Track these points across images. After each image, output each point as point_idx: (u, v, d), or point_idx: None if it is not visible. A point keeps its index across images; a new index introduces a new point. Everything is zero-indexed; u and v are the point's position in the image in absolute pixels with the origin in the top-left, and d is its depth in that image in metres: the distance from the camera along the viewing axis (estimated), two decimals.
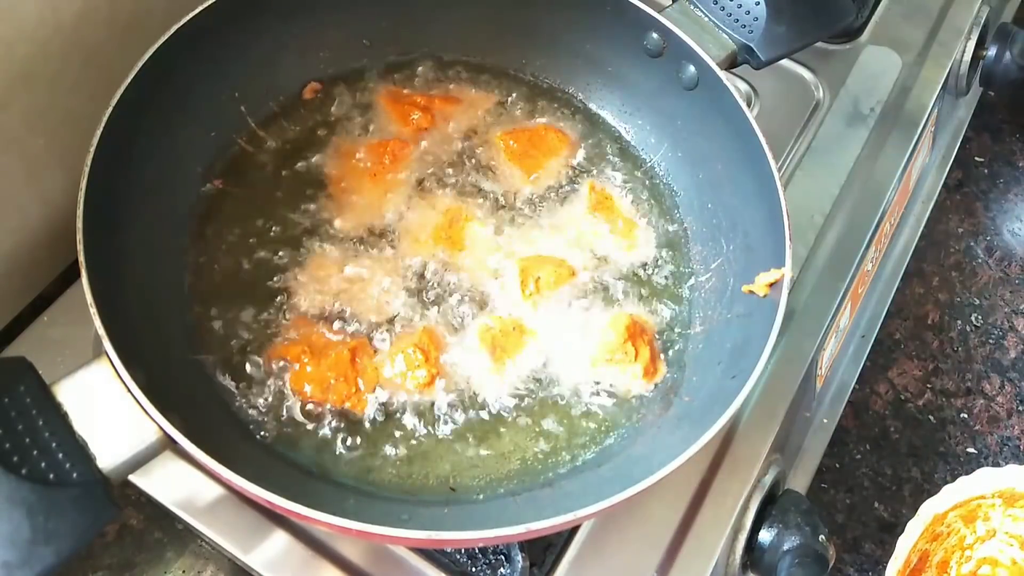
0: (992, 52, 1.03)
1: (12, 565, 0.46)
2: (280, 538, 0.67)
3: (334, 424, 0.66)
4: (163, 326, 0.66)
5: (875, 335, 0.94)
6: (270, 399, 0.66)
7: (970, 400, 0.93)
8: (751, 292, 0.68)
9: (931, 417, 0.92)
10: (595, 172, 0.81)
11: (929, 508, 0.72)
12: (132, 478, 0.63)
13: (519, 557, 0.66)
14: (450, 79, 0.84)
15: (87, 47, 0.74)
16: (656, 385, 0.70)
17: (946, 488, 0.73)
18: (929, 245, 1.03)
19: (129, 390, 0.53)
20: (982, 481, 0.73)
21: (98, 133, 0.61)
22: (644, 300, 0.74)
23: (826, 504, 0.86)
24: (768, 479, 0.72)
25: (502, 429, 0.67)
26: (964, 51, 1.02)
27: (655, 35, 0.76)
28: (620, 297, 0.74)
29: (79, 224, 0.58)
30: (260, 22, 0.76)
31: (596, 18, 0.79)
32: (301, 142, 0.78)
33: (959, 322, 0.98)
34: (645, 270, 0.76)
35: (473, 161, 0.80)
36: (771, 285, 0.66)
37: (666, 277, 0.76)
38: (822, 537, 0.69)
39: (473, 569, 0.68)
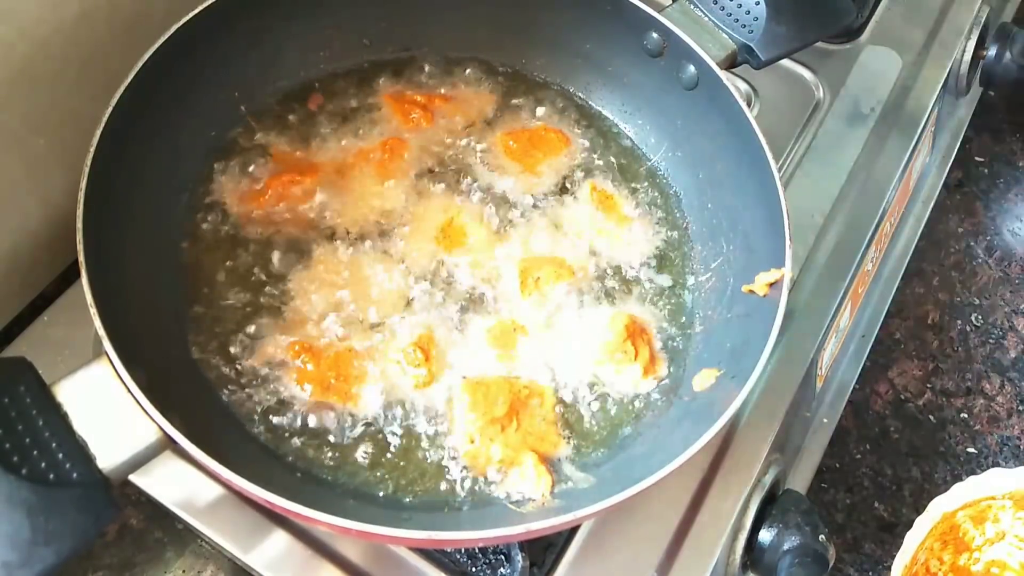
0: (992, 52, 1.03)
1: (12, 565, 0.46)
2: (280, 538, 0.67)
3: (334, 423, 0.66)
4: (163, 326, 0.66)
5: (875, 335, 0.94)
6: (270, 399, 0.66)
7: (970, 400, 0.93)
8: (751, 292, 0.68)
9: (931, 417, 0.92)
10: (595, 172, 0.81)
11: (938, 506, 0.72)
12: (132, 478, 0.63)
13: (519, 557, 0.66)
14: (450, 78, 0.84)
15: (87, 47, 0.74)
16: (656, 385, 0.70)
17: (956, 487, 0.73)
18: (929, 245, 1.03)
19: (129, 390, 0.53)
20: (992, 482, 0.73)
21: (98, 133, 0.62)
22: (644, 300, 0.74)
23: (826, 504, 0.86)
24: (768, 479, 0.72)
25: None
26: (964, 51, 1.02)
27: (655, 35, 0.76)
28: (620, 297, 0.74)
29: (79, 224, 0.58)
30: (260, 22, 0.76)
31: (596, 18, 0.79)
32: (301, 142, 0.78)
33: (959, 322, 0.98)
34: (645, 270, 0.76)
35: (473, 160, 0.80)
36: (771, 285, 0.66)
37: (666, 277, 0.76)
38: (822, 537, 0.69)
39: (473, 569, 0.68)
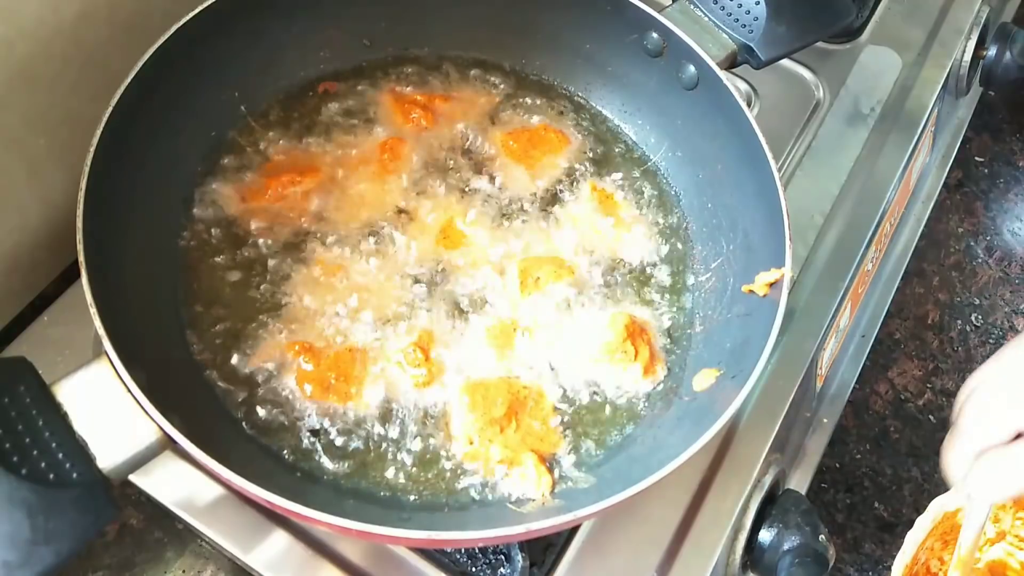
0: (992, 52, 1.03)
1: (12, 565, 0.46)
2: (280, 538, 0.67)
3: (334, 423, 0.66)
4: (163, 326, 0.66)
5: (875, 335, 0.94)
6: (270, 399, 0.66)
7: None
8: (751, 292, 0.68)
9: (931, 417, 0.92)
10: (595, 172, 0.81)
11: (938, 506, 0.72)
12: (132, 478, 0.64)
13: (519, 557, 0.66)
14: (450, 78, 0.84)
15: (87, 47, 0.74)
16: (656, 385, 0.70)
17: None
18: (929, 245, 1.03)
19: (129, 390, 0.53)
20: None
21: (98, 133, 0.62)
22: (644, 300, 0.74)
23: (826, 504, 0.86)
24: (768, 479, 0.72)
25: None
26: (964, 51, 1.02)
27: (655, 35, 0.76)
28: (620, 297, 0.74)
29: (79, 224, 0.58)
30: (260, 22, 0.76)
31: (596, 18, 0.79)
32: (301, 141, 0.78)
33: (959, 322, 0.98)
34: (645, 270, 0.76)
35: (473, 161, 0.80)
36: (771, 285, 0.66)
37: (666, 277, 0.76)
38: (822, 537, 0.69)
39: (473, 569, 0.68)
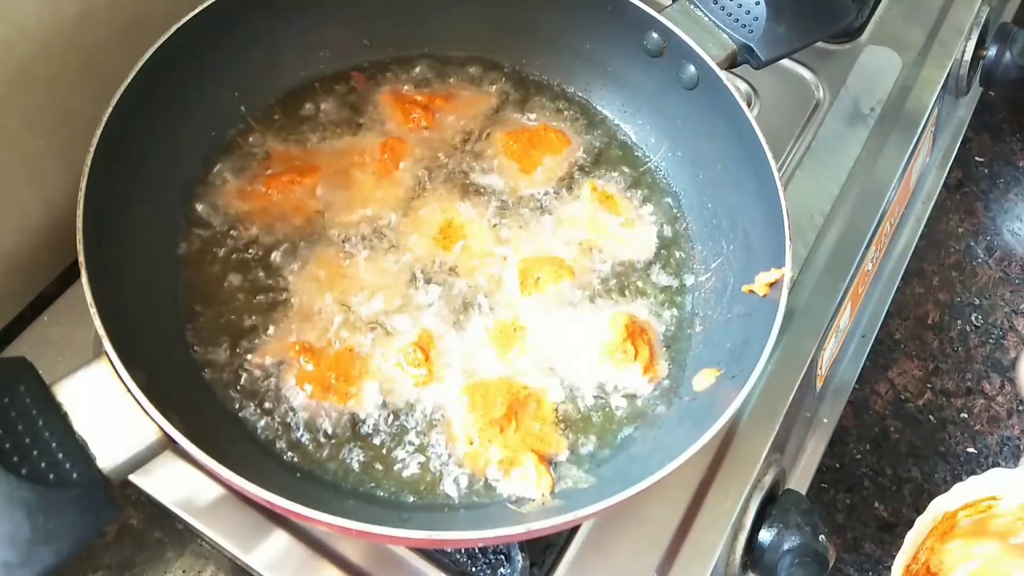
0: (992, 52, 1.03)
1: (12, 565, 0.46)
2: (280, 538, 0.67)
3: (334, 423, 0.66)
4: (163, 326, 0.66)
5: (875, 335, 0.94)
6: (270, 399, 0.66)
7: (970, 400, 0.93)
8: (751, 292, 0.68)
9: (931, 417, 0.92)
10: (595, 172, 0.81)
11: (938, 506, 0.72)
12: (132, 478, 0.64)
13: (519, 557, 0.66)
14: (450, 78, 0.84)
15: (87, 47, 0.74)
16: (656, 385, 0.70)
17: (957, 487, 0.73)
18: (929, 245, 1.03)
19: (129, 390, 0.53)
20: (993, 482, 0.73)
21: (98, 133, 0.62)
22: (644, 300, 0.74)
23: (826, 504, 0.86)
24: (768, 479, 0.72)
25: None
26: (964, 51, 1.02)
27: (655, 35, 0.76)
28: (619, 297, 0.74)
29: (79, 224, 0.58)
30: (260, 22, 0.76)
31: (596, 18, 0.79)
32: (301, 141, 0.78)
33: (959, 322, 0.98)
34: (645, 270, 0.76)
35: (473, 160, 0.80)
36: (771, 285, 0.66)
37: (666, 277, 0.76)
38: (822, 537, 0.69)
39: (473, 569, 0.68)
